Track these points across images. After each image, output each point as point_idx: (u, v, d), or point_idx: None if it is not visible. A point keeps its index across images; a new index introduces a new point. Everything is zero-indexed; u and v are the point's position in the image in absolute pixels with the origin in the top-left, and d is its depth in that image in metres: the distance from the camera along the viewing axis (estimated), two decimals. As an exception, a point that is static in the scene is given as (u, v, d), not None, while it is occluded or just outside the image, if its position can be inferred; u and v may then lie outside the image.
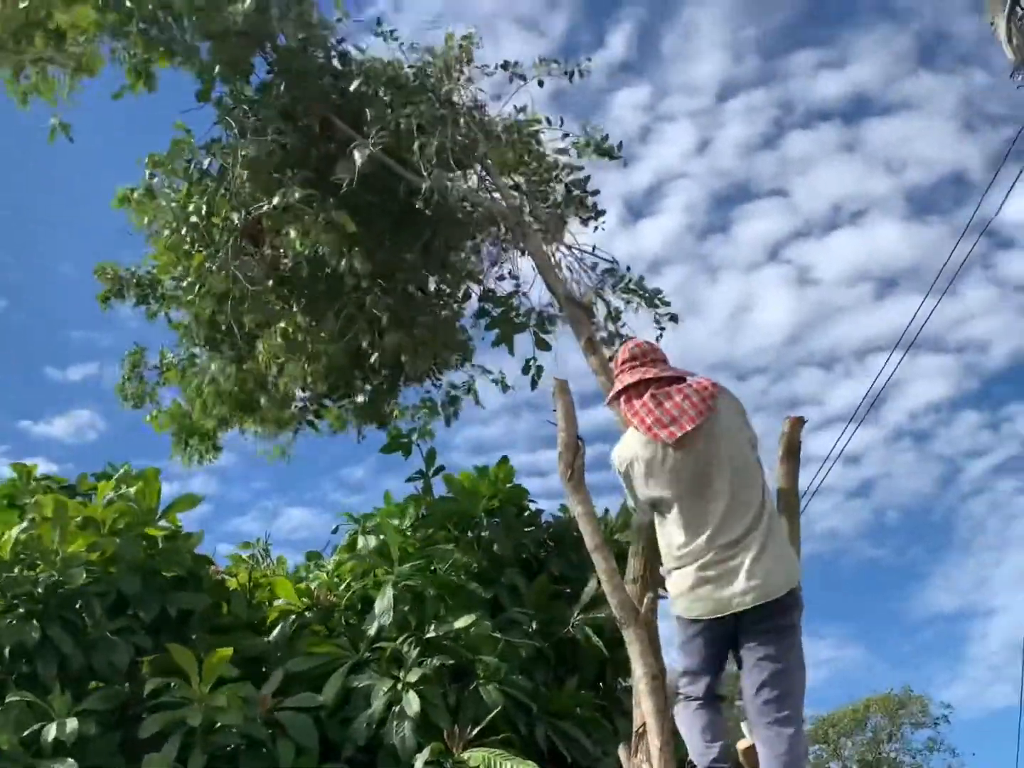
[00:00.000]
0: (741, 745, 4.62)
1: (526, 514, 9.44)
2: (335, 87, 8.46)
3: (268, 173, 8.27)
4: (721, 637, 4.45)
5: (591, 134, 9.50)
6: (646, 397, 4.57)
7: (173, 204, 8.67)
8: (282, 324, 8.46)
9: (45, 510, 7.92)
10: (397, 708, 7.22)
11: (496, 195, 8.56)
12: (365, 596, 8.40)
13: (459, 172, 8.48)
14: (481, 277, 9.50)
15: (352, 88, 8.05)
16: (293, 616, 8.23)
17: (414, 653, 7.49)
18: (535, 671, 7.87)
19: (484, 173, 8.74)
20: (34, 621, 7.00)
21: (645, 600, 5.63)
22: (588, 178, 9.52)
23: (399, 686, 7.32)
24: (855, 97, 39.02)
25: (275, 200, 7.90)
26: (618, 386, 4.72)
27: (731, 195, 42.52)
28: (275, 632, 8.14)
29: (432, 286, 9.46)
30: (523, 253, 9.05)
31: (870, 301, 39.82)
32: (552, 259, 8.09)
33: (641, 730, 5.25)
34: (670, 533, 4.58)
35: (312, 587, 8.51)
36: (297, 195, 7.84)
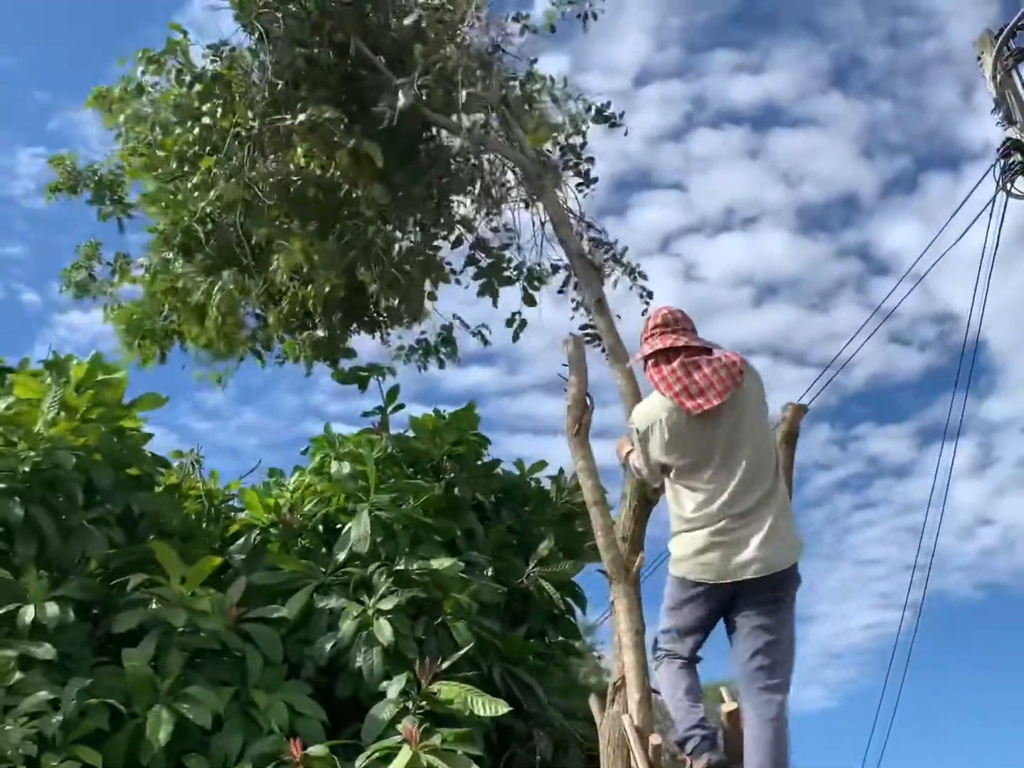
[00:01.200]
0: (725, 708, 4.97)
1: (482, 462, 9.64)
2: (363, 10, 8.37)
3: (290, 84, 8.16)
4: (718, 602, 4.82)
5: (591, 99, 9.62)
6: (675, 364, 4.85)
7: (174, 101, 8.43)
8: (296, 244, 8.33)
9: (26, 390, 7.74)
10: (365, 634, 7.36)
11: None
12: (327, 521, 8.49)
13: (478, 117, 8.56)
14: (475, 225, 9.58)
15: (407, 22, 7.99)
16: (257, 530, 8.26)
17: (385, 583, 7.62)
18: (490, 616, 8.12)
19: (498, 122, 8.78)
20: (16, 499, 6.85)
21: (637, 559, 5.97)
22: (585, 144, 9.70)
23: (369, 612, 7.45)
24: (766, 105, 40.25)
25: (301, 116, 7.81)
26: (647, 350, 4.99)
27: (632, 180, 43.20)
28: (239, 543, 8.15)
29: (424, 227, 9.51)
30: (527, 206, 9.21)
31: (748, 306, 41.33)
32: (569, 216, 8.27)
33: (619, 683, 5.57)
34: (683, 497, 4.89)
35: (280, 503, 8.52)
36: (328, 114, 7.77)
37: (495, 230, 9.64)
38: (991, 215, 9.62)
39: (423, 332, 9.83)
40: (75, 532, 7.08)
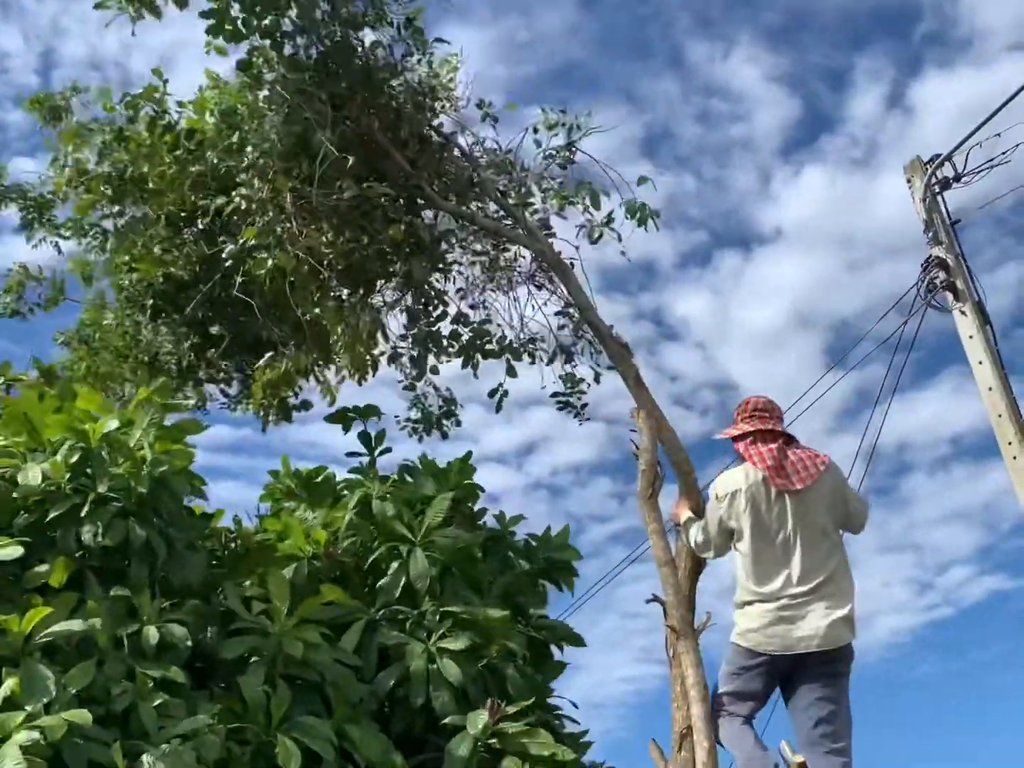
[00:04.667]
0: (796, 759, 5.94)
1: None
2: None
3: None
4: (779, 671, 5.82)
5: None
6: (773, 446, 5.93)
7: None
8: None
9: (88, 403, 7.85)
10: (429, 671, 7.89)
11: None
12: (373, 559, 8.87)
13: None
14: (448, 299, 10.04)
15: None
16: (303, 561, 8.57)
17: (444, 624, 8.19)
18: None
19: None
20: (132, 520, 7.02)
21: (705, 618, 6.88)
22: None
23: (432, 650, 8.00)
24: (578, 165, 42.19)
25: (349, 192, 8.09)
26: (747, 427, 6.06)
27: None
28: (289, 573, 8.41)
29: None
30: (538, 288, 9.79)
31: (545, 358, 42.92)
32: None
33: (686, 731, 6.40)
34: (753, 569, 5.87)
35: (325, 537, 8.85)
36: (383, 189, 8.16)
37: (473, 307, 10.12)
38: (905, 324, 11.03)
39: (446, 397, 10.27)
40: (179, 556, 7.28)
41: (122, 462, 7.32)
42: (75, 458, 7.18)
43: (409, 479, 10.01)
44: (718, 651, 6.22)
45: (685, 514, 6.62)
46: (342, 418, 10.30)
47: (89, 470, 7.22)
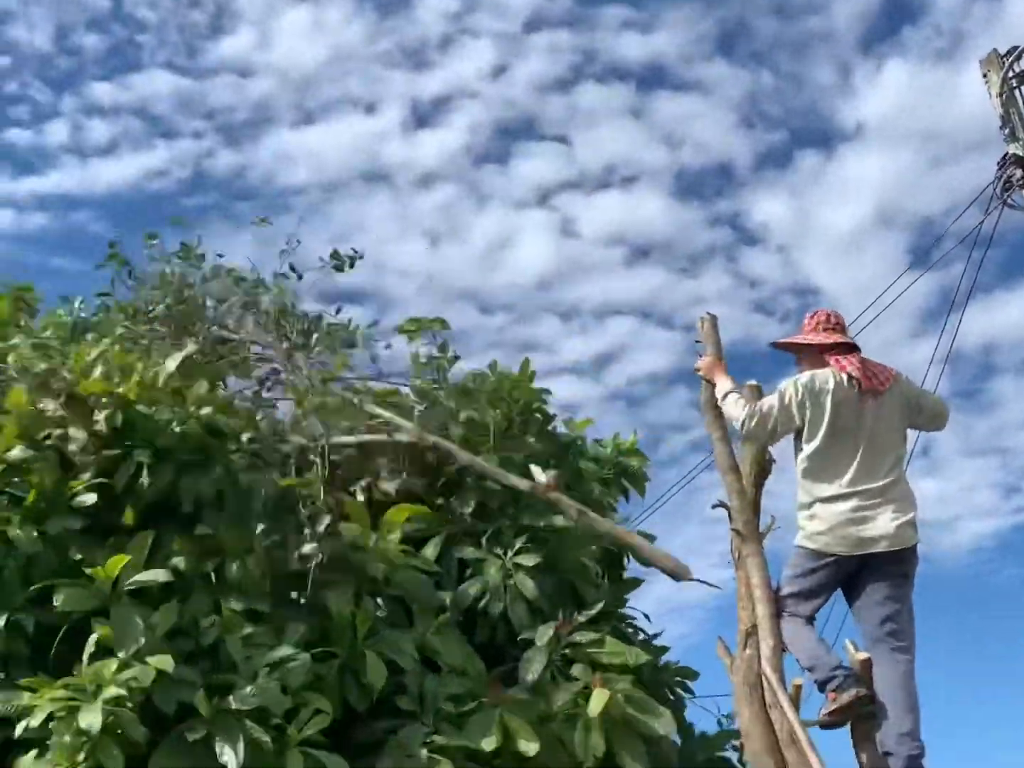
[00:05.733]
0: (860, 656, 5.97)
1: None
2: None
3: None
4: (844, 572, 5.91)
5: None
6: (855, 357, 6.00)
7: None
8: None
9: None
10: (507, 585, 8.13)
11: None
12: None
13: None
14: None
15: None
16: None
17: (519, 539, 8.39)
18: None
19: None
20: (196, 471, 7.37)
21: (770, 521, 6.89)
22: None
23: (508, 565, 8.22)
24: (652, 65, 40.91)
25: None
26: (831, 338, 6.16)
27: (515, 128, 43.48)
28: None
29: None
30: None
31: (620, 265, 42.42)
32: None
33: (751, 630, 6.45)
34: (824, 469, 5.91)
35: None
36: None
37: None
38: (982, 223, 10.74)
39: None
40: (243, 493, 7.60)
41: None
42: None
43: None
44: (782, 554, 6.35)
45: (726, 384, 6.51)
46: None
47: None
